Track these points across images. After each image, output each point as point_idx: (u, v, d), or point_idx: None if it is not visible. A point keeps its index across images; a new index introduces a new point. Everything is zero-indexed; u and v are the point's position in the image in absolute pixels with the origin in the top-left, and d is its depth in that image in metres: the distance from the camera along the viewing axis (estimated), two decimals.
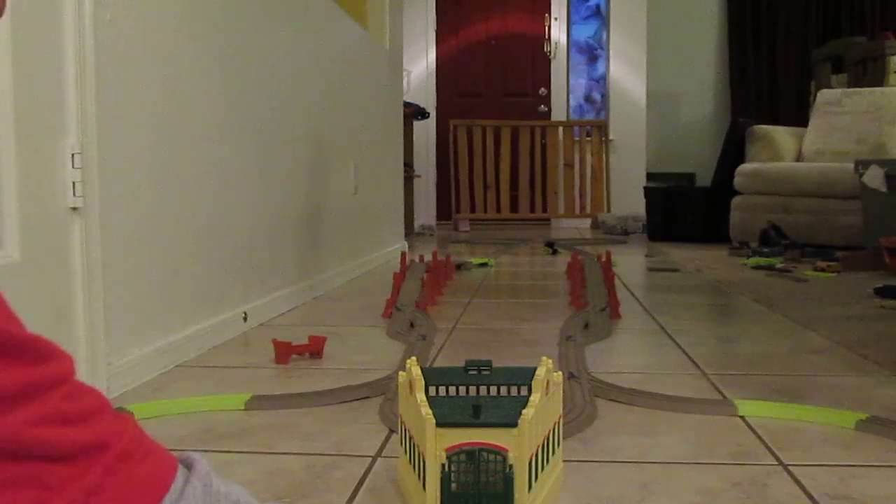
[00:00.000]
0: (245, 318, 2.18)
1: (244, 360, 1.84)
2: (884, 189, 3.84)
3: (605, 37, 7.21)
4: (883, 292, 2.71)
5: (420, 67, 7.16)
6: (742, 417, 1.39)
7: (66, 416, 0.28)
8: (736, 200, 4.96)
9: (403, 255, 3.19)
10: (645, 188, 5.80)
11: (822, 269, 3.52)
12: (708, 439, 1.28)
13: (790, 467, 1.15)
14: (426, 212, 6.87)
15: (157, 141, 1.74)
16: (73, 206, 1.42)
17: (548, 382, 0.99)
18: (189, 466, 0.32)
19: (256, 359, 1.86)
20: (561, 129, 6.80)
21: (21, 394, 0.26)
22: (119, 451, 0.29)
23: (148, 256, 1.70)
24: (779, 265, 3.74)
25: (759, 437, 1.28)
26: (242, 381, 1.65)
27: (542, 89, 7.27)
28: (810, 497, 1.04)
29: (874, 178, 3.89)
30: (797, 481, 1.10)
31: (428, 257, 3.26)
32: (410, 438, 1.00)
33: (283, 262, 2.55)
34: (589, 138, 6.82)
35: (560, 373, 1.07)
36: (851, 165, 4.13)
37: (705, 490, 1.07)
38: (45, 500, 0.26)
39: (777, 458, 1.19)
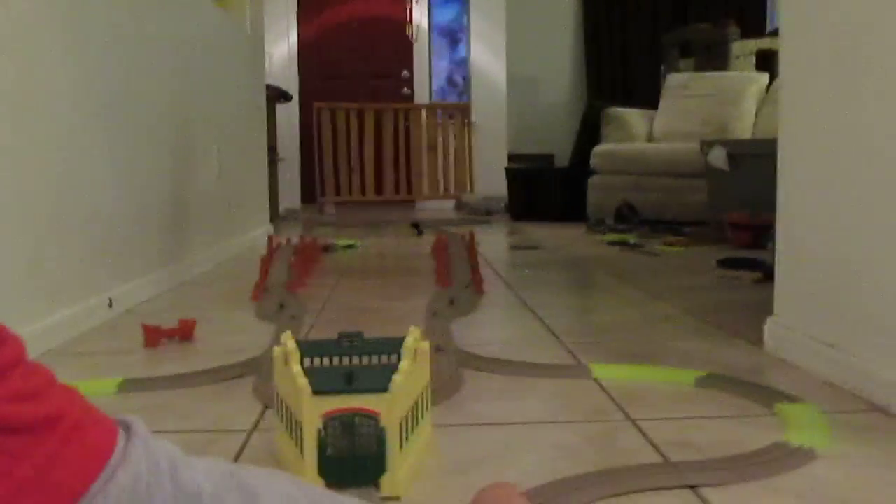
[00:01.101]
0: (110, 305, 2.16)
1: (112, 346, 1.83)
2: (726, 168, 4.08)
3: (465, 20, 7.33)
4: (725, 264, 2.91)
5: (282, 50, 7.09)
6: (596, 380, 1.49)
7: (26, 394, 0.32)
8: (592, 180, 5.17)
9: (270, 238, 3.20)
10: (506, 169, 5.96)
11: (672, 244, 3.73)
12: (565, 401, 1.38)
13: (637, 421, 1.26)
14: (291, 195, 6.83)
15: (13, 125, 1.70)
16: None
17: (416, 351, 1.06)
18: (127, 428, 0.37)
19: (125, 344, 1.85)
20: (424, 111, 6.88)
21: None
22: (72, 421, 0.33)
23: (5, 242, 1.66)
24: (632, 241, 3.94)
25: (611, 397, 1.39)
26: (112, 367, 1.64)
27: (405, 72, 7.33)
28: (654, 446, 1.15)
29: (718, 157, 4.14)
30: (643, 433, 1.21)
31: (295, 240, 3.28)
32: (287, 409, 1.05)
33: (148, 247, 2.52)
34: (452, 121, 6.94)
35: (428, 342, 1.14)
36: (698, 146, 4.37)
37: (563, 446, 1.16)
38: (12, 466, 0.30)
39: (626, 414, 1.29)
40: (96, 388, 1.45)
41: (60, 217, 1.91)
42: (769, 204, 1.77)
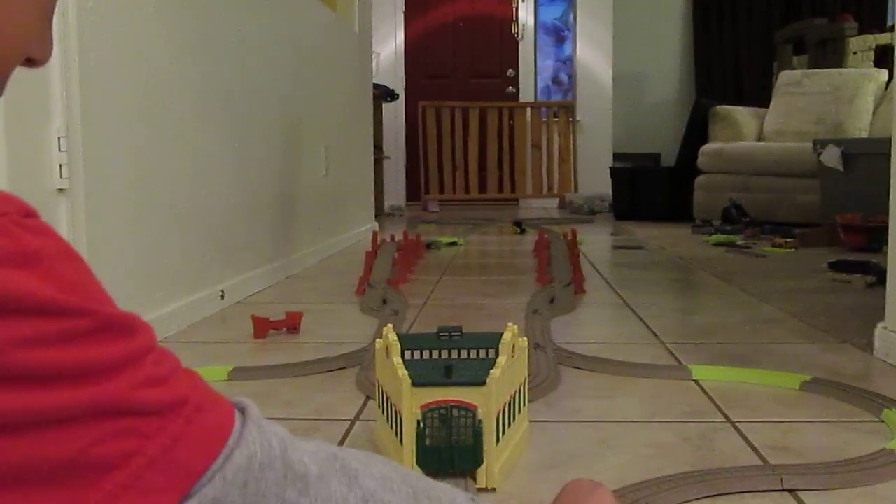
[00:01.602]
0: (222, 296, 2.25)
1: (223, 336, 1.91)
2: (840, 168, 3.96)
3: (571, 18, 7.29)
4: (836, 266, 2.83)
5: (389, 49, 7.20)
6: (695, 381, 1.48)
7: (156, 379, 0.35)
8: (699, 179, 5.08)
9: (375, 234, 3.26)
10: (611, 168, 5.90)
11: (780, 246, 3.64)
12: (663, 401, 1.37)
13: (737, 424, 1.25)
14: (395, 193, 6.93)
15: (138, 125, 1.80)
16: (59, 187, 1.49)
17: (513, 346, 1.08)
18: (243, 410, 0.39)
19: (235, 334, 1.93)
20: (528, 109, 6.88)
21: (122, 364, 0.33)
22: (195, 404, 0.36)
23: (130, 236, 1.76)
24: (739, 242, 3.86)
25: (710, 398, 1.38)
26: (222, 355, 1.72)
27: (510, 70, 7.34)
28: (754, 449, 1.14)
29: (831, 157, 4.01)
30: (743, 436, 1.20)
31: (398, 237, 3.33)
32: (387, 399, 1.09)
33: (258, 242, 2.62)
34: (556, 119, 6.91)
35: (525, 338, 1.16)
36: (810, 145, 4.25)
37: (658, 444, 1.16)
38: (143, 445, 0.33)
39: (725, 416, 1.28)
40: (208, 375, 1.52)
41: (180, 212, 2.01)
42: (884, 205, 1.72)
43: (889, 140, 1.69)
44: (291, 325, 1.93)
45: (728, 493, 0.98)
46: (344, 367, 1.59)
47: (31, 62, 0.41)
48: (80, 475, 0.32)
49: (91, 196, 1.57)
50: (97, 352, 0.33)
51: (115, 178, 1.69)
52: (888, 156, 1.67)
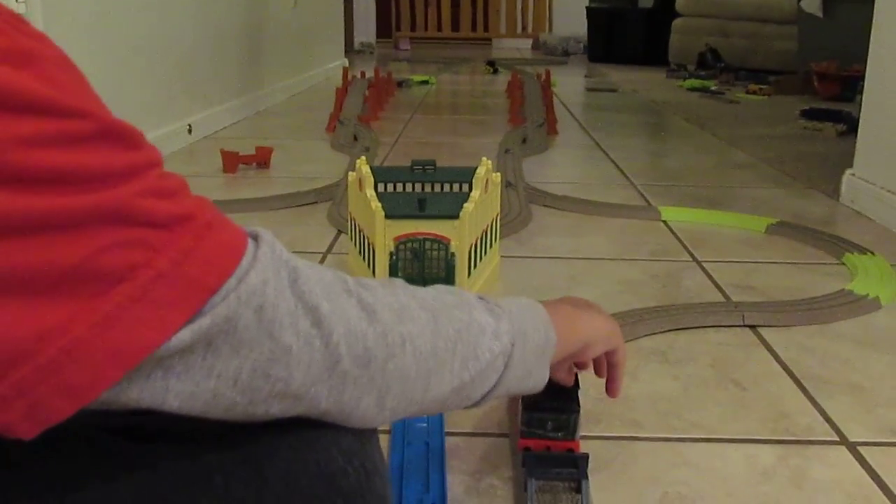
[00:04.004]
0: (189, 131, 2.21)
1: (192, 170, 1.89)
2: (820, 14, 3.89)
3: None
4: (808, 114, 2.82)
5: None
6: (664, 222, 1.50)
7: (162, 192, 0.33)
8: (676, 23, 4.98)
9: (345, 70, 3.20)
10: (587, 8, 5.76)
11: (754, 92, 3.62)
12: (632, 240, 1.39)
13: (703, 263, 1.27)
14: (366, 29, 6.73)
15: None
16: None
17: (487, 181, 1.08)
18: (256, 238, 0.38)
19: (204, 169, 1.90)
20: None
21: (126, 173, 0.32)
22: (204, 221, 0.34)
23: (89, 68, 1.70)
24: (713, 88, 3.83)
25: (678, 238, 1.40)
26: (192, 190, 1.69)
27: None
28: (718, 287, 1.17)
29: (811, 3, 3.94)
30: (708, 274, 1.22)
31: (369, 74, 3.26)
32: (360, 232, 1.09)
33: (226, 76, 2.55)
34: None
35: (499, 174, 1.15)
36: None
37: (626, 281, 1.19)
38: (150, 258, 0.32)
39: (692, 256, 1.31)
40: None
41: (143, 43, 1.94)
42: (862, 55, 1.70)
43: None
44: (261, 160, 1.90)
45: (691, 328, 1.01)
46: (315, 202, 1.58)
47: None
48: (88, 285, 0.31)
49: (49, 26, 1.50)
50: (99, 158, 0.32)
51: (75, 5, 1.62)
52: (871, 2, 1.64)
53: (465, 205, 0.99)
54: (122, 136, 0.33)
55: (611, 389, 0.67)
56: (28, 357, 0.30)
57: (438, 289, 0.49)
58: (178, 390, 0.35)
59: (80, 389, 0.32)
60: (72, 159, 0.30)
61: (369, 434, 0.44)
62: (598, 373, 0.68)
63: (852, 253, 1.31)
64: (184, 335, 0.34)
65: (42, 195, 0.30)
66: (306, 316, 0.38)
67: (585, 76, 4.57)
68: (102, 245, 0.31)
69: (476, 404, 0.50)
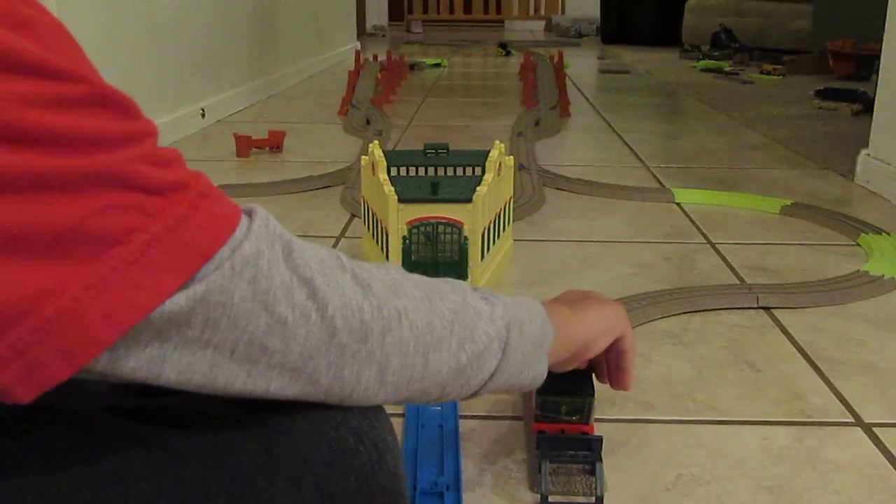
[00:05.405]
0: (203, 115, 2.21)
1: (205, 154, 1.90)
2: None
3: None
4: (823, 94, 2.80)
5: None
6: (678, 204, 1.50)
7: (157, 160, 0.34)
8: (690, 3, 4.94)
9: (358, 52, 3.19)
10: None
11: (769, 73, 3.59)
12: (645, 222, 1.39)
13: (717, 245, 1.27)
14: (378, 12, 6.71)
15: None
16: None
17: (500, 164, 1.08)
18: (250, 213, 0.39)
19: (217, 152, 1.91)
20: None
21: (123, 138, 0.32)
22: (198, 191, 0.35)
23: (106, 52, 1.71)
24: (727, 68, 3.80)
25: (692, 220, 1.40)
26: (205, 174, 1.70)
27: None
28: (732, 269, 1.17)
29: None
30: (722, 256, 1.22)
31: (382, 57, 3.26)
32: (373, 215, 1.09)
33: (239, 59, 2.55)
34: None
35: (512, 157, 1.15)
36: None
37: (640, 263, 1.19)
38: (145, 223, 0.33)
39: (706, 238, 1.30)
40: None
41: (157, 25, 1.94)
42: (877, 33, 1.68)
43: None
44: (274, 144, 1.91)
45: (705, 310, 1.01)
46: (328, 186, 1.58)
47: None
48: (83, 247, 0.32)
49: (62, 10, 1.51)
50: (96, 122, 0.32)
51: None
52: None
53: (478, 188, 0.99)
54: (119, 104, 0.33)
55: (620, 379, 0.64)
56: (24, 317, 0.31)
57: (432, 278, 0.49)
58: (174, 360, 0.36)
59: (75, 351, 0.32)
60: (69, 121, 0.31)
61: (379, 413, 0.45)
62: (599, 376, 0.67)
63: (867, 233, 1.30)
64: (178, 300, 0.34)
65: (39, 155, 0.30)
66: (301, 288, 0.39)
67: (598, 58, 4.55)
68: (98, 207, 0.31)
69: (476, 394, 0.49)
